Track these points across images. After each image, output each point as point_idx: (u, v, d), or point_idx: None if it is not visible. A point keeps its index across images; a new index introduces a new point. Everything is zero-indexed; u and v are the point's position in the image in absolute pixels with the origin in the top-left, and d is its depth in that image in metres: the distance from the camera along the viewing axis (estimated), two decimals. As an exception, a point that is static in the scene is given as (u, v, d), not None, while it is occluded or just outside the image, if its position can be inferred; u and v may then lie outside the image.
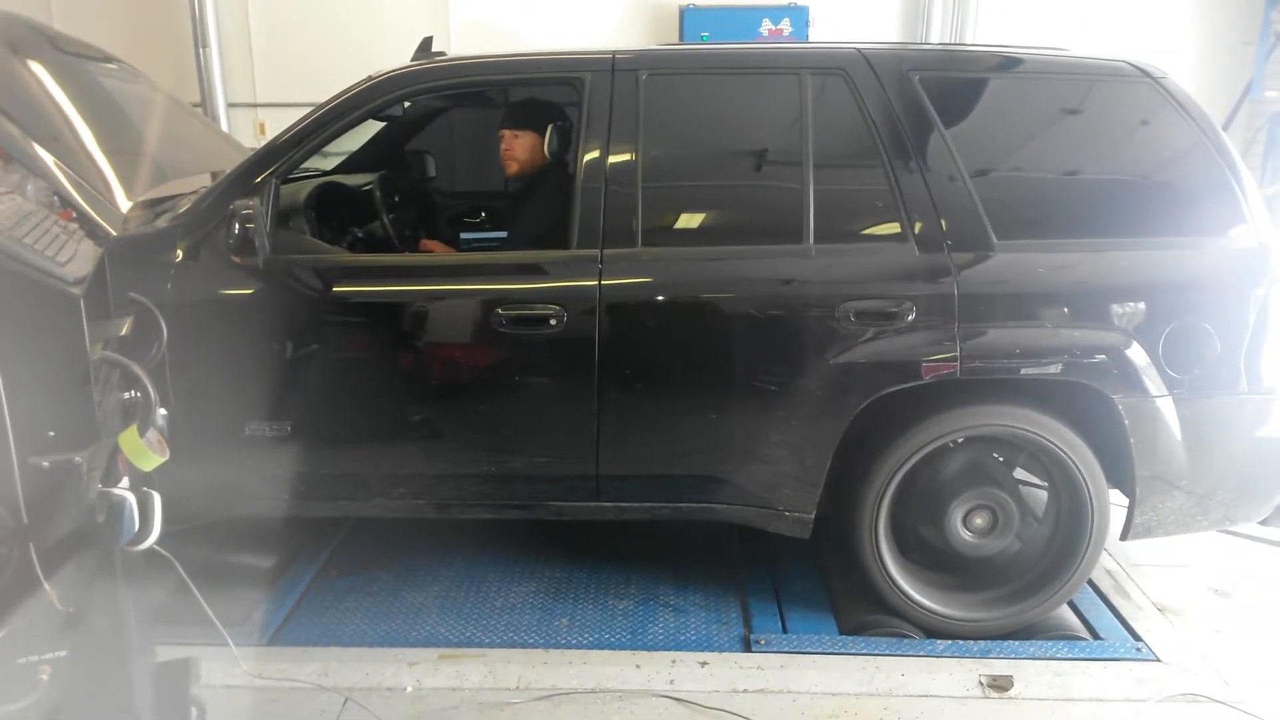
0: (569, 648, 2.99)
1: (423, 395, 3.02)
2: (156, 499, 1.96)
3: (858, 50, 3.02)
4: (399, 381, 3.01)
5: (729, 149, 3.13)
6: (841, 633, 3.08)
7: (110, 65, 3.84)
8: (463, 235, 4.32)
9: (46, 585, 1.82)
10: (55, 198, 2.85)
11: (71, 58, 3.56)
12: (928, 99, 2.95)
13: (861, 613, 3.13)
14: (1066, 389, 2.88)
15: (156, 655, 2.40)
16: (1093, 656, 2.94)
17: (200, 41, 6.79)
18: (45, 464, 1.79)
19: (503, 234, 4.02)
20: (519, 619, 3.16)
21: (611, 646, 3.00)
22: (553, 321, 2.86)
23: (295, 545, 3.59)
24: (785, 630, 3.10)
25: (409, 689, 2.79)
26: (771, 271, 2.90)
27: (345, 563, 3.53)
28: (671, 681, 2.83)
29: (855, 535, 3.01)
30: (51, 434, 1.80)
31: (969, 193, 2.88)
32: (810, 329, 2.86)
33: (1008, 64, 3.10)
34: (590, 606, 3.24)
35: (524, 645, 3.01)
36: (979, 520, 3.02)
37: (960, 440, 3.02)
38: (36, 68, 3.19)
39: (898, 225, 2.89)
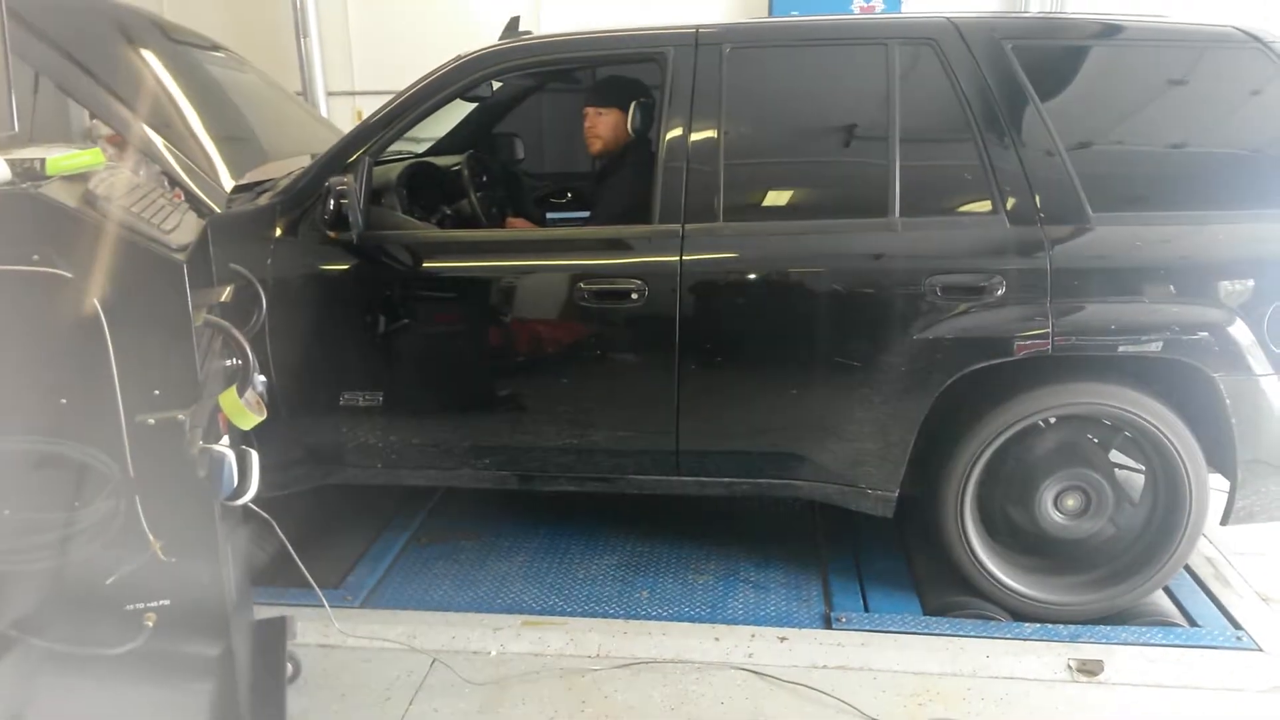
0: (649, 619, 3.03)
1: (507, 367, 3.08)
2: (255, 456, 2.06)
3: (948, 19, 2.95)
4: (484, 354, 3.08)
5: (813, 122, 3.10)
6: (925, 613, 3.04)
7: (218, 53, 3.99)
8: (548, 215, 4.38)
9: (151, 536, 1.93)
10: (165, 178, 3.01)
11: (181, 46, 3.73)
12: (1021, 69, 2.87)
13: (946, 594, 3.08)
14: (1165, 367, 2.78)
15: (254, 613, 2.52)
16: (1189, 643, 2.84)
17: (301, 31, 7.02)
18: (151, 421, 1.90)
19: (586, 213, 4.06)
20: (600, 590, 3.20)
21: (691, 619, 3.02)
22: (634, 296, 2.89)
23: (387, 513, 3.71)
24: (867, 609, 3.07)
25: (493, 653, 2.86)
26: (855, 246, 2.87)
27: (434, 531, 3.63)
28: (750, 655, 2.83)
29: (940, 515, 2.96)
30: (157, 393, 1.91)
31: (1064, 165, 2.80)
32: (894, 303, 2.81)
33: (1107, 32, 3.00)
34: (670, 580, 3.27)
35: (605, 615, 3.05)
36: (1071, 502, 2.93)
37: (1053, 420, 2.94)
38: (149, 56, 3.35)
39: (988, 198, 2.82)
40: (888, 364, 2.83)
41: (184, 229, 2.07)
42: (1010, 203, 2.80)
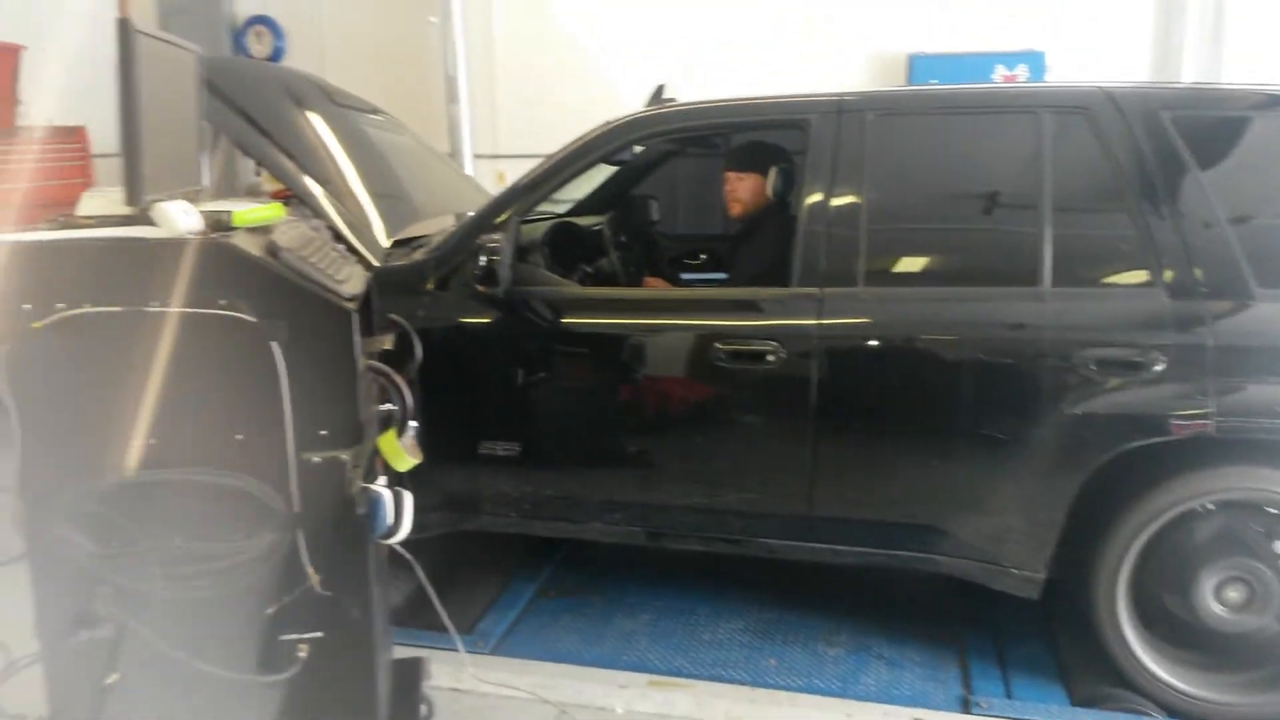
0: (777, 688, 2.96)
1: (640, 424, 3.12)
2: (408, 498, 2.13)
3: (1101, 89, 2.90)
4: (619, 409, 3.13)
5: (958, 190, 3.06)
6: (1073, 704, 2.88)
7: (377, 116, 4.23)
8: (683, 275, 4.44)
9: (310, 570, 2.01)
10: (328, 232, 3.18)
11: (344, 109, 3.97)
12: (1180, 139, 2.79)
13: (1096, 684, 2.90)
14: (1337, 453, 2.61)
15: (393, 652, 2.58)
16: (1370, 758, 2.61)
17: (451, 98, 7.38)
18: (316, 459, 1.99)
19: (722, 275, 4.10)
20: (726, 655, 3.15)
21: (821, 692, 2.94)
22: (770, 358, 2.89)
23: (512, 562, 3.76)
24: (1009, 695, 2.92)
25: (619, 710, 2.85)
26: (1001, 315, 2.81)
27: (562, 584, 3.66)
28: (883, 734, 2.74)
29: (1092, 600, 2.82)
30: (323, 433, 2.00)
31: (1225, 237, 2.69)
32: (1044, 376, 2.73)
33: (1271, 102, 2.88)
34: (799, 650, 3.19)
35: (731, 681, 3.00)
36: (1233, 594, 2.75)
37: (1212, 505, 2.78)
38: (314, 118, 3.58)
39: (1145, 270, 2.73)
40: (1036, 438, 2.74)
41: (354, 280, 2.19)
42: (1168, 275, 2.70)
